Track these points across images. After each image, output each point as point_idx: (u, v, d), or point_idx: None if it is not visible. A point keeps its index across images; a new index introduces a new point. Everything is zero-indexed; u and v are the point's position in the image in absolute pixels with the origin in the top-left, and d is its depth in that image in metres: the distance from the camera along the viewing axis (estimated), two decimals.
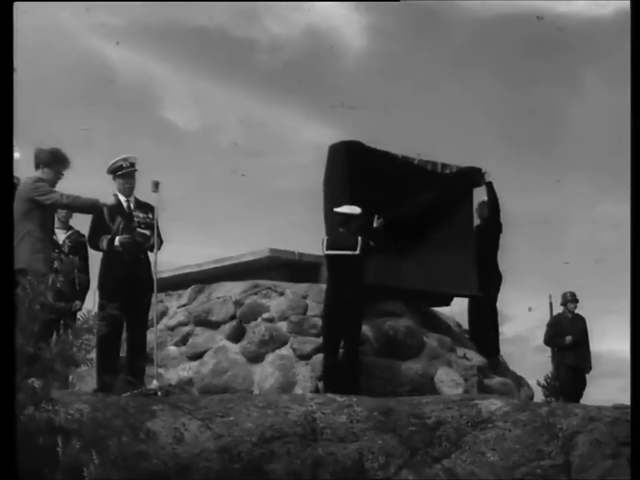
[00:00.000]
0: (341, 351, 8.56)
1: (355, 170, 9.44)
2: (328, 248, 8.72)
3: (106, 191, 8.05)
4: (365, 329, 9.12)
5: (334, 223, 8.91)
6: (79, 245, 8.77)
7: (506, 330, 10.84)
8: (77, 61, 23.96)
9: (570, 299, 12.00)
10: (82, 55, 23.83)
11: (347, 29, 27.69)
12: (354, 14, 25.25)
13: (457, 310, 10.84)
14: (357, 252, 8.59)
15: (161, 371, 8.48)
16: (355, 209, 8.80)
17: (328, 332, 8.62)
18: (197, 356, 9.28)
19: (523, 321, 10.48)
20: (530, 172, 24.61)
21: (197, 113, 27.33)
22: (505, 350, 10.83)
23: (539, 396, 10.50)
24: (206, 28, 25.70)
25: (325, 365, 8.52)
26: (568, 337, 11.49)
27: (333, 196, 9.29)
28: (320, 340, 8.81)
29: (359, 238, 8.63)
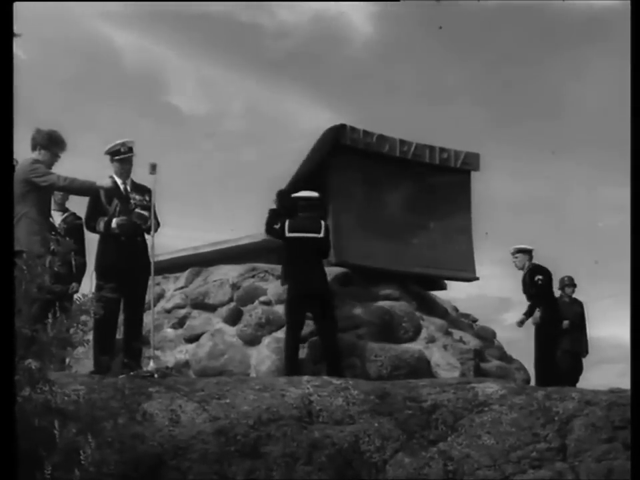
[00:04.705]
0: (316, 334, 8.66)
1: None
2: (290, 231, 8.77)
3: (107, 173, 8.06)
4: (362, 312, 9.15)
5: (296, 207, 8.96)
6: (75, 228, 8.77)
7: (510, 316, 10.95)
8: (83, 44, 23.93)
9: (567, 283, 12.02)
10: (87, 39, 23.83)
11: (354, 16, 27.67)
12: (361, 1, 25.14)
13: (454, 294, 10.90)
14: (321, 235, 8.69)
15: (157, 353, 8.48)
16: (313, 194, 8.91)
17: (292, 315, 8.65)
18: (194, 338, 9.29)
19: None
20: (531, 156, 24.64)
21: (201, 98, 27.32)
22: (506, 335, 10.90)
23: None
24: (212, 13, 25.64)
25: (287, 348, 8.54)
26: (565, 321, 11.50)
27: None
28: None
29: (322, 222, 8.78)
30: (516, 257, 10.80)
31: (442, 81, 25.30)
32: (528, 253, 10.79)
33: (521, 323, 10.63)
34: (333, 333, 8.59)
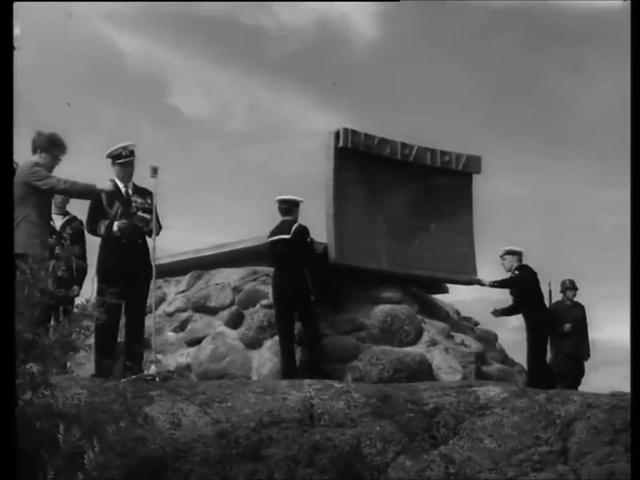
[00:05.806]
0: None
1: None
2: (270, 235, 8.86)
3: (109, 176, 8.07)
4: (363, 315, 9.15)
5: (278, 211, 9.03)
6: (78, 232, 8.76)
7: (511, 320, 10.90)
8: (85, 46, 23.97)
9: (569, 287, 11.98)
10: (90, 41, 23.86)
11: (356, 16, 27.68)
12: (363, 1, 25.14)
13: (455, 297, 10.89)
14: (289, 236, 8.73)
15: (159, 356, 8.48)
16: (293, 197, 9.00)
17: (280, 318, 8.69)
18: (195, 342, 9.29)
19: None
20: (532, 158, 24.66)
21: (203, 100, 27.34)
22: (507, 338, 10.89)
23: None
24: (215, 15, 25.68)
25: (282, 353, 8.57)
26: (566, 324, 11.49)
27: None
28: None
29: (295, 224, 8.83)
30: (504, 259, 10.62)
31: (443, 83, 25.33)
32: (517, 254, 10.66)
33: (495, 312, 10.50)
34: (314, 336, 8.61)
